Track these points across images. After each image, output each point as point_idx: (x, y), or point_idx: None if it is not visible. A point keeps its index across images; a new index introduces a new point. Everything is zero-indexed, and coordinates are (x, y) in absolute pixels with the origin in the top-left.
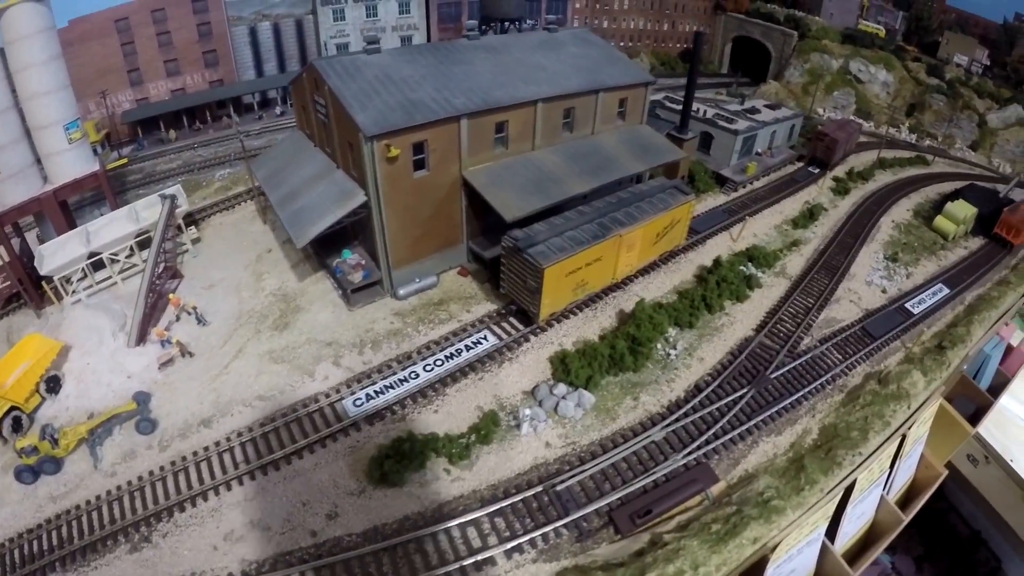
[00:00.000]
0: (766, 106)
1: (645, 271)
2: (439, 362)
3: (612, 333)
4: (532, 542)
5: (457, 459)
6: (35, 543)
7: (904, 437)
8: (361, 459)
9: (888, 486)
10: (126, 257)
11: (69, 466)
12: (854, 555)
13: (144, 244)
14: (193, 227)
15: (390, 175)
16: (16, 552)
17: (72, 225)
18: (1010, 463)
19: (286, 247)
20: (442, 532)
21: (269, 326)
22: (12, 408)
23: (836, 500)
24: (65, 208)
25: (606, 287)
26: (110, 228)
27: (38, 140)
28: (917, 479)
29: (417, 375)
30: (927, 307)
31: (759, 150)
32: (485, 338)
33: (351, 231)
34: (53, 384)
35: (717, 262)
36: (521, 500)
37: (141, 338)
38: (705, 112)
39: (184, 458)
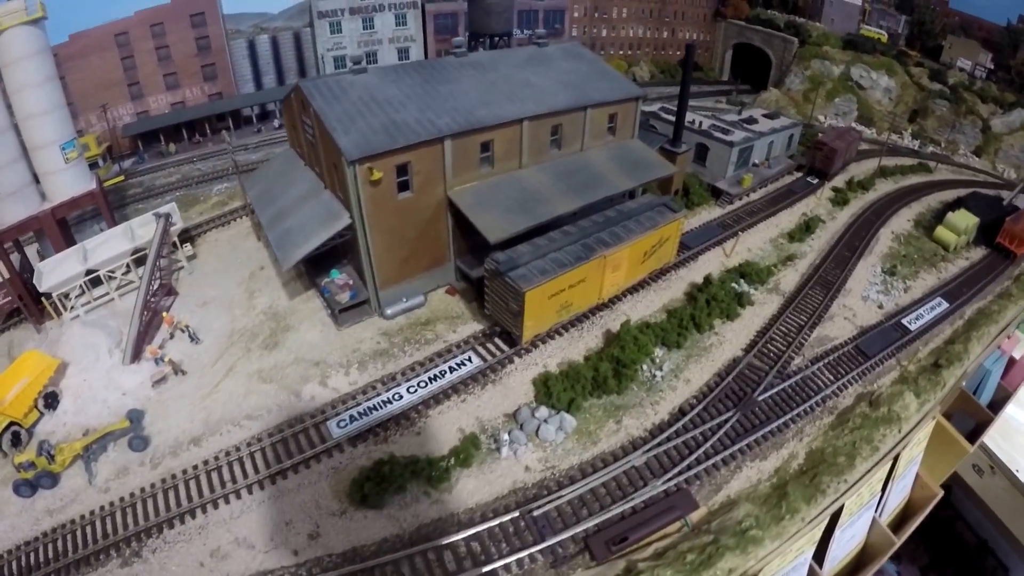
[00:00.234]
0: (764, 115)
1: (634, 289)
2: (423, 384)
3: (597, 354)
4: (507, 567)
5: (436, 482)
6: (32, 555)
7: (897, 459)
8: (343, 480)
9: (880, 508)
10: (123, 274)
11: (65, 481)
12: None
13: (140, 261)
14: (189, 244)
15: (374, 197)
16: (14, 564)
17: (72, 241)
18: (1016, 473)
19: (279, 265)
20: (418, 555)
21: (259, 345)
22: (11, 423)
23: (823, 525)
24: (64, 225)
25: (593, 307)
26: (107, 246)
27: (35, 159)
28: (912, 499)
29: (400, 396)
30: (925, 323)
31: (756, 161)
32: (469, 359)
33: (340, 250)
34: (51, 400)
35: (707, 280)
36: (497, 525)
37: (136, 356)
38: (701, 123)
39: (174, 476)
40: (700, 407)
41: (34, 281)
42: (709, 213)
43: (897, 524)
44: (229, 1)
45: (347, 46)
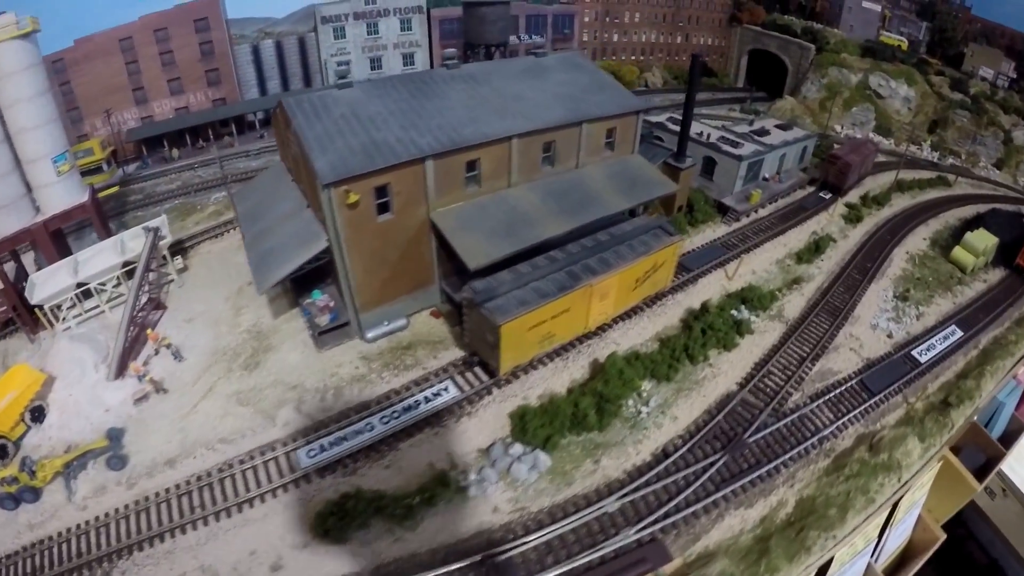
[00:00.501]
0: (777, 126)
1: (626, 316)
2: (396, 414)
3: (581, 387)
4: None
5: (401, 519)
6: (11, 569)
7: (897, 504)
8: (310, 512)
9: (877, 553)
10: (113, 287)
11: (47, 496)
12: None
13: (131, 274)
14: (179, 257)
15: (351, 220)
16: None
17: (67, 250)
18: None
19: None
20: None
21: (240, 365)
22: None
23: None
24: (58, 237)
25: (579, 337)
26: (97, 259)
27: (28, 172)
28: (913, 541)
29: (372, 427)
30: (936, 354)
31: (767, 175)
32: (446, 389)
33: (325, 269)
34: (38, 414)
35: (704, 307)
36: (457, 569)
37: (120, 372)
38: (708, 135)
39: (147, 498)
40: (685, 448)
41: (26, 293)
42: (714, 231)
43: (895, 568)
44: (234, 5)
45: (351, 52)
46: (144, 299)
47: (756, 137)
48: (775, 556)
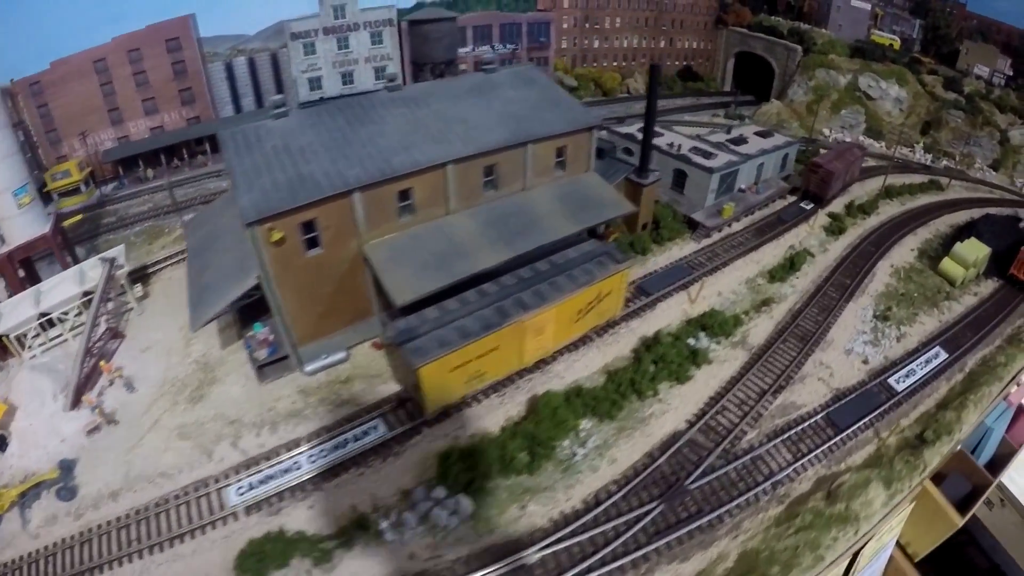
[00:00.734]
0: (756, 133)
1: (573, 347)
2: (324, 452)
3: (516, 425)
4: None
5: (319, 562)
6: None
7: (858, 554)
8: (233, 550)
9: None
10: (75, 316)
11: (6, 524)
12: None
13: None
14: (139, 284)
15: (279, 256)
16: None
17: (36, 277)
18: None
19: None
20: None
21: (186, 398)
22: None
23: None
24: (28, 265)
25: (517, 371)
26: (58, 289)
27: None
28: None
29: (299, 466)
30: (916, 380)
31: (743, 186)
32: (376, 427)
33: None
34: (0, 442)
35: (656, 336)
36: None
37: (76, 403)
38: (679, 147)
39: (91, 529)
40: (619, 495)
41: None
42: (681, 249)
43: None
44: (206, 23)
45: (322, 67)
46: (102, 329)
47: (732, 146)
48: None
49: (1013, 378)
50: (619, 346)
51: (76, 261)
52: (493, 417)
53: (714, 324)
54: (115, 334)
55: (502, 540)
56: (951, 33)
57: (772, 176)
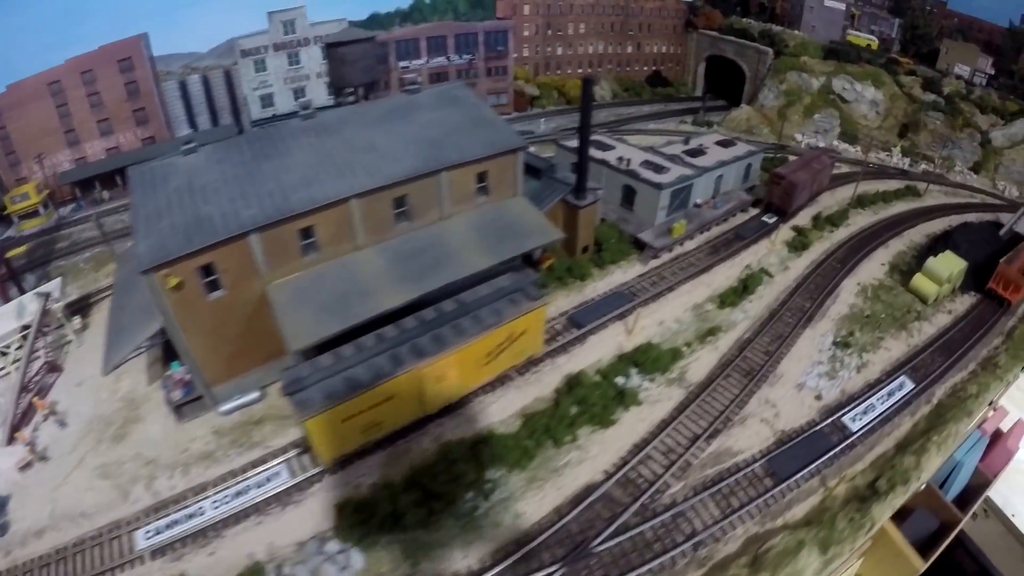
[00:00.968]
0: (718, 142)
1: (491, 386)
2: (227, 498)
3: (414, 476)
4: None
5: None
6: None
7: None
8: None
9: None
10: (16, 350)
11: None
12: None
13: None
14: (79, 316)
15: (180, 301)
16: None
17: None
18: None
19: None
20: None
21: (110, 436)
22: None
23: None
24: None
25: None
26: None
27: None
28: None
29: (203, 511)
30: (875, 417)
31: (699, 201)
32: (278, 473)
33: None
34: None
35: (579, 376)
36: None
37: (10, 438)
38: (629, 161)
39: (16, 567)
40: (516, 556)
41: None
42: (624, 274)
43: None
44: (159, 42)
45: (273, 84)
46: (40, 363)
47: (688, 158)
48: None
49: (988, 405)
50: (541, 386)
51: (22, 291)
52: (398, 466)
53: (647, 360)
54: (52, 367)
55: None
56: (931, 32)
57: (734, 188)
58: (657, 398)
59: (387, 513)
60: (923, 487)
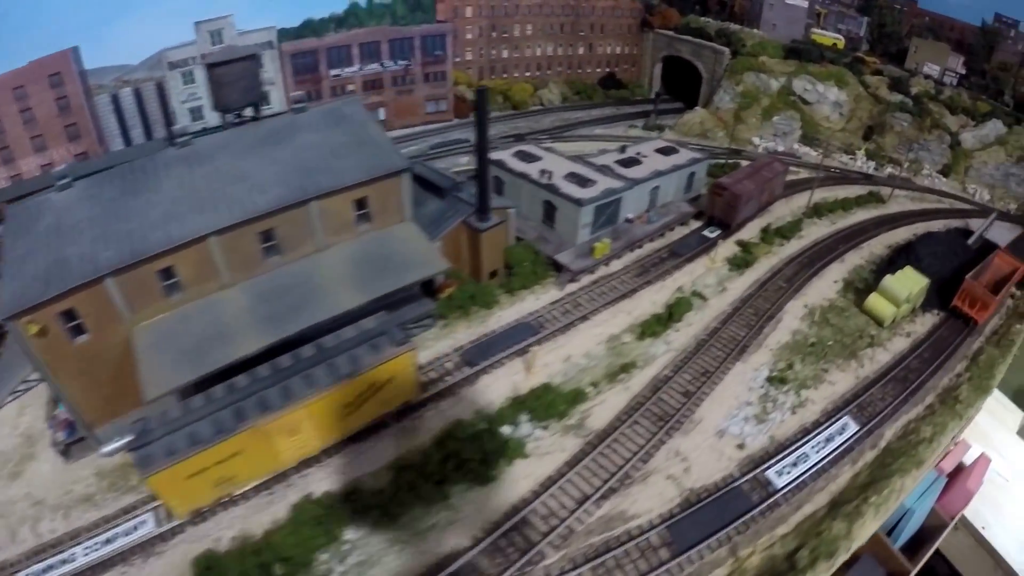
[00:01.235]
0: (658, 150)
1: (363, 434)
2: (98, 545)
3: (270, 535)
4: None
5: None
6: None
7: None
8: None
9: None
10: None
11: None
12: None
13: None
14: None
15: (46, 347)
16: None
17: None
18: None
19: None
20: None
21: (6, 474)
22: None
23: None
24: None
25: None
26: None
27: None
28: None
29: (75, 558)
30: (807, 469)
31: (630, 215)
32: (145, 522)
33: None
34: None
35: (456, 427)
36: None
37: None
38: (551, 174)
39: None
40: None
41: None
42: (537, 300)
43: None
44: (91, 55)
45: (202, 96)
46: None
47: (619, 169)
48: None
49: (943, 448)
50: (419, 435)
51: None
52: (258, 519)
53: (541, 404)
54: None
55: None
56: (900, 30)
57: (674, 200)
58: (548, 449)
59: (239, 573)
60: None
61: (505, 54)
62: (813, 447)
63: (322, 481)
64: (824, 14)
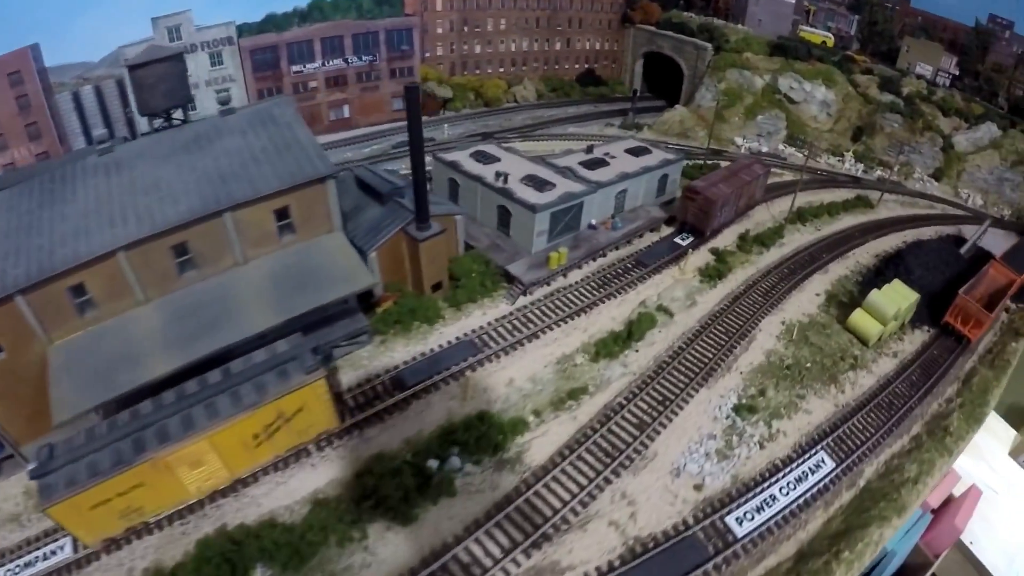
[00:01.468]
0: (629, 151)
1: (286, 462)
2: (18, 568)
3: (181, 567)
4: None
5: None
6: None
7: None
8: None
9: None
10: None
11: None
12: None
13: None
14: None
15: None
16: None
17: None
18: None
19: None
20: None
21: None
22: None
23: None
24: None
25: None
26: None
27: None
28: None
29: None
30: (773, 514)
31: (593, 221)
32: (63, 547)
33: None
34: None
35: (376, 460)
36: None
37: None
38: (507, 176)
39: None
40: None
41: None
42: (484, 315)
43: None
44: (51, 53)
45: None
46: None
47: (583, 171)
48: None
49: (939, 480)
50: (341, 465)
51: None
52: (175, 548)
53: (473, 437)
54: None
55: None
56: (892, 29)
57: (645, 203)
58: (479, 487)
59: None
60: None
61: (478, 49)
62: (782, 488)
63: (237, 513)
64: (813, 11)
